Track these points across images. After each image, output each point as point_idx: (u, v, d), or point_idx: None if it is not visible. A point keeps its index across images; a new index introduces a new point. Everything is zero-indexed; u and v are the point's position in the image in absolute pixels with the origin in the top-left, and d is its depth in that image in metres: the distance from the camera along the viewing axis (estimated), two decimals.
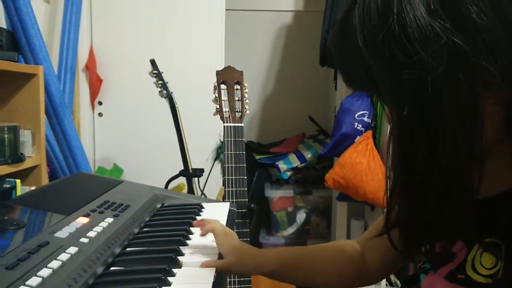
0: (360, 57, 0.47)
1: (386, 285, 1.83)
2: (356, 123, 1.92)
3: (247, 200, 1.23)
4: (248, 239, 1.21)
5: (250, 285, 1.19)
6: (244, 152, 1.25)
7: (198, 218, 0.89)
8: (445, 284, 0.56)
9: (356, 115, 1.92)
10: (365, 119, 1.92)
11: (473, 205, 0.47)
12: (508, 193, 0.51)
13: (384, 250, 0.75)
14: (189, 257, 0.69)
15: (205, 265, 0.67)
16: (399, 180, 0.51)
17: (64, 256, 0.58)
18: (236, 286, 1.18)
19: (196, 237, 0.78)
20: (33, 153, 1.48)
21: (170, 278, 0.59)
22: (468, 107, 0.45)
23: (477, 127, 0.45)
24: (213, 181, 2.07)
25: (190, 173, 1.72)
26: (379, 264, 0.77)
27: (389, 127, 0.65)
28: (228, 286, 1.18)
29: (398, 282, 1.85)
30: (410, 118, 0.46)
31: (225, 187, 1.23)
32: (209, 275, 0.63)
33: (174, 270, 0.62)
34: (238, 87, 1.30)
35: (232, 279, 1.19)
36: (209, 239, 0.77)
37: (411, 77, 0.45)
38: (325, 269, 0.79)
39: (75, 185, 1.00)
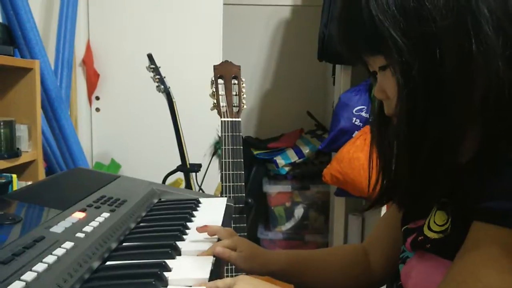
0: (370, 15, 0.51)
1: None
2: (354, 118, 1.91)
3: (244, 195, 1.23)
4: (246, 234, 1.21)
5: None
6: (242, 147, 1.25)
7: (195, 213, 0.89)
8: (419, 266, 0.60)
9: (354, 110, 1.92)
10: (363, 114, 1.92)
11: (453, 167, 0.54)
12: (465, 164, 0.57)
13: (387, 250, 0.77)
14: (185, 252, 0.69)
15: (224, 253, 0.70)
16: (400, 142, 0.55)
17: (59, 251, 0.57)
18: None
19: (192, 232, 0.78)
20: (29, 148, 1.47)
21: (166, 273, 0.59)
22: (466, 59, 0.49)
23: (471, 87, 0.50)
24: (210, 176, 2.07)
25: (187, 168, 1.72)
26: (383, 265, 0.78)
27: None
28: None
29: None
30: (416, 75, 0.50)
31: (222, 182, 1.23)
32: (205, 270, 0.63)
33: (171, 265, 0.62)
34: (236, 81, 1.30)
35: (228, 274, 1.19)
36: (206, 234, 0.77)
37: (420, 28, 0.49)
38: (331, 270, 0.80)
39: (71, 180, 0.99)
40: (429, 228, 0.58)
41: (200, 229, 0.77)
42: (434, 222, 0.58)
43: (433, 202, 0.59)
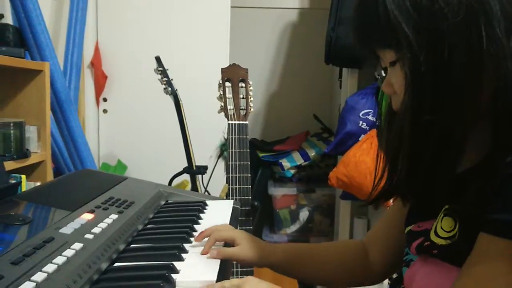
0: (385, 9, 0.52)
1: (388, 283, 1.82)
2: (361, 122, 1.91)
3: (250, 197, 1.23)
4: None
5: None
6: (248, 150, 1.25)
7: (201, 215, 0.89)
8: (422, 270, 0.60)
9: (361, 114, 1.91)
10: (370, 117, 1.92)
11: (456, 167, 0.54)
12: (472, 168, 0.57)
13: (386, 248, 0.76)
14: (193, 254, 0.69)
15: (219, 254, 0.69)
16: (404, 137, 0.55)
17: (69, 252, 0.58)
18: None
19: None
20: (38, 149, 1.49)
21: (174, 275, 0.59)
22: (475, 59, 0.50)
23: (479, 86, 0.50)
24: (216, 179, 2.07)
25: (194, 170, 1.72)
26: (382, 262, 0.78)
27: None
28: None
29: None
30: (424, 71, 0.50)
31: (228, 185, 1.23)
32: (213, 272, 0.63)
33: (178, 267, 0.62)
34: (243, 84, 1.31)
35: (235, 276, 1.19)
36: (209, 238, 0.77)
37: (431, 25, 0.50)
38: (330, 264, 0.80)
39: (80, 181, 1.00)
40: (436, 234, 0.58)
41: (197, 239, 0.75)
42: (441, 228, 0.57)
43: (438, 202, 0.59)
